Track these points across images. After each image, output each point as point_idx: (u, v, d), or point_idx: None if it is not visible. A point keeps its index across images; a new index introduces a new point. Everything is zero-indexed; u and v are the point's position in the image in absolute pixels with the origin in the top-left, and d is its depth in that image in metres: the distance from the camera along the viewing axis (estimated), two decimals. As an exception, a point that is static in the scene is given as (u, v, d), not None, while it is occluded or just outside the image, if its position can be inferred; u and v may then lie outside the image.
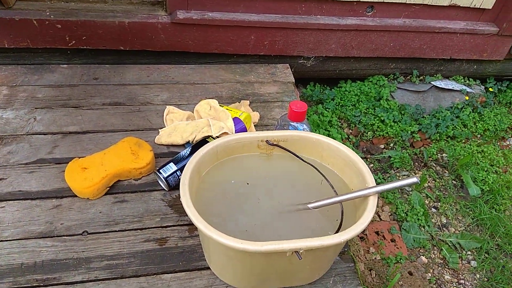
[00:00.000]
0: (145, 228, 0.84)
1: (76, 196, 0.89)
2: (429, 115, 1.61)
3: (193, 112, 1.10)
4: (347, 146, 0.73)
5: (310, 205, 0.68)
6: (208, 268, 0.77)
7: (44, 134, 1.03)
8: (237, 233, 0.66)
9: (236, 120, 1.00)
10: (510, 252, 1.21)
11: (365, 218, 0.61)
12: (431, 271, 1.09)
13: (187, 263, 0.79)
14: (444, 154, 1.52)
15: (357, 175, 0.71)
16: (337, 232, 0.64)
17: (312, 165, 0.76)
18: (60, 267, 0.76)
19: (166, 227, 0.85)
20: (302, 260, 0.58)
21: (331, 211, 0.70)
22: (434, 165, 1.47)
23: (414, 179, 0.59)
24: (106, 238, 0.82)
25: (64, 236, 0.81)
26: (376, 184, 0.65)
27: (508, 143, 1.65)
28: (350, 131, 1.53)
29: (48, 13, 1.19)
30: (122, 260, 0.78)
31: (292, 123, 0.86)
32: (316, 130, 1.43)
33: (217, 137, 0.95)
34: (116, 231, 0.83)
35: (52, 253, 0.78)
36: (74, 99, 1.16)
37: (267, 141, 0.76)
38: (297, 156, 0.77)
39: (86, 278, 0.75)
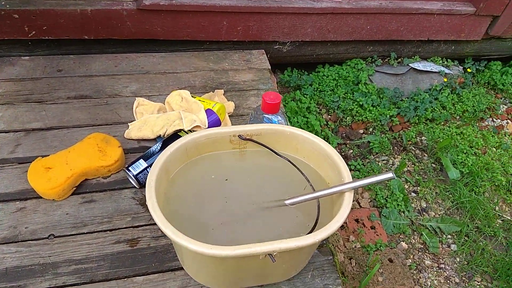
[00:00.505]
0: (115, 229, 0.82)
1: (41, 197, 0.85)
2: (407, 98, 1.61)
3: (164, 104, 1.06)
4: (326, 133, 0.72)
5: (286, 202, 0.66)
6: (182, 268, 0.75)
7: (6, 132, 0.98)
8: (211, 234, 0.64)
9: (209, 112, 0.97)
10: (489, 234, 1.23)
11: (341, 216, 0.60)
12: (412, 256, 1.10)
13: (160, 264, 0.77)
14: (423, 138, 1.52)
15: (333, 169, 0.69)
16: (313, 229, 0.63)
17: (287, 160, 0.74)
18: (26, 274, 0.73)
19: (137, 227, 0.82)
20: (277, 260, 0.57)
21: (308, 205, 0.69)
22: (413, 148, 1.48)
23: (389, 174, 0.58)
24: (74, 241, 0.79)
25: (29, 240, 0.78)
26: (353, 178, 0.64)
27: (486, 123, 1.67)
28: (329, 116, 1.52)
29: (3, 3, 1.11)
30: (91, 264, 0.75)
31: (266, 115, 0.84)
32: (294, 117, 1.42)
33: (190, 130, 0.92)
34: (84, 233, 0.80)
35: (17, 259, 0.75)
36: (36, 93, 1.10)
37: (239, 136, 0.74)
38: (272, 151, 0.75)
39: (53, 285, 0.72)
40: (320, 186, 0.71)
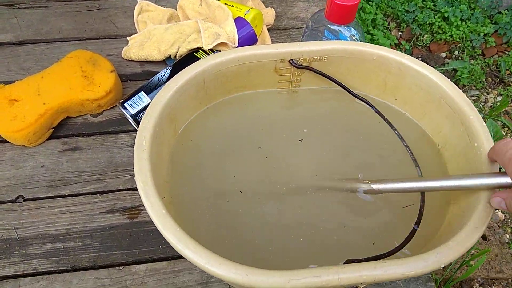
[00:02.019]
0: (109, 191, 0.60)
1: (6, 142, 0.64)
2: (508, 10, 1.22)
3: (177, 10, 0.78)
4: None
5: (374, 186, 0.39)
6: (201, 256, 0.54)
7: (-38, 47, 0.75)
8: (232, 212, 0.41)
9: (240, 21, 0.68)
10: None
11: (478, 220, 0.34)
12: (510, 230, 0.86)
13: (170, 246, 0.54)
14: (525, 65, 1.18)
15: (454, 125, 0.42)
16: (410, 236, 0.38)
17: (369, 104, 0.47)
18: (-18, 252, 0.54)
19: (139, 189, 0.60)
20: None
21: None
22: (513, 80, 1.14)
23: None
24: (51, 207, 0.58)
25: (-12, 204, 0.58)
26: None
27: None
28: (400, 33, 1.18)
29: None
30: (74, 243, 0.55)
31: (332, 26, 0.55)
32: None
33: (212, 50, 0.65)
34: (65, 196, 0.59)
35: (-28, 230, 0.56)
36: (7, -8, 0.84)
37: (291, 61, 0.46)
38: (345, 88, 0.47)
39: (20, 271, 0.53)
40: (424, 152, 0.45)
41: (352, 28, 0.56)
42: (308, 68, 0.48)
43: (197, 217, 0.40)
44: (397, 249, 0.35)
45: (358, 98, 0.48)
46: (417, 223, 0.39)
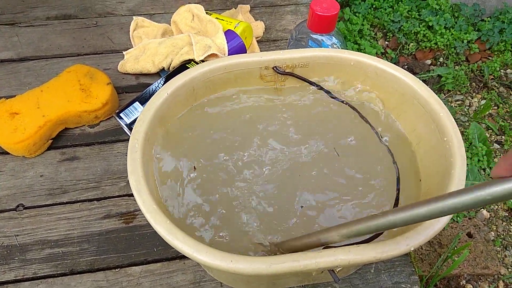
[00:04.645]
0: (105, 198, 0.62)
1: (7, 153, 0.66)
2: (490, 17, 1.27)
3: (170, 25, 0.81)
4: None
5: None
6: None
7: (-34, 64, 0.78)
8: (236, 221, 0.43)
9: (230, 34, 0.72)
10: None
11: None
12: (495, 228, 0.88)
13: (164, 249, 0.58)
14: (508, 70, 1.21)
15: (426, 122, 0.45)
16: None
17: (349, 105, 0.50)
18: (-16, 258, 0.56)
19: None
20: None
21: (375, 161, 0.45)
22: (497, 85, 1.18)
23: None
24: (50, 214, 0.60)
25: (-10, 213, 0.60)
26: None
27: None
28: (387, 43, 1.22)
29: None
30: (72, 247, 0.57)
31: (314, 36, 0.58)
32: (341, 44, 1.13)
33: (203, 61, 0.68)
34: (63, 203, 0.62)
35: (-26, 238, 0.58)
36: (8, 12, 0.88)
37: (275, 68, 0.49)
38: (325, 91, 0.50)
39: (20, 276, 0.55)
40: (400, 146, 0.47)
41: (333, 37, 0.59)
42: (291, 74, 0.51)
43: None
44: (371, 238, 0.37)
45: (338, 100, 0.51)
46: (397, 197, 0.41)
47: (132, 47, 0.81)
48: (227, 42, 0.71)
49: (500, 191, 0.23)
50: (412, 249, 0.33)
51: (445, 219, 0.35)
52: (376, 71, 0.48)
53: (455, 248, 0.75)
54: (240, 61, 0.48)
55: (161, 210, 0.36)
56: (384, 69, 0.47)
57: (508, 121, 1.11)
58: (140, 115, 0.42)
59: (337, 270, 0.34)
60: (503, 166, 0.23)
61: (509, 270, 0.84)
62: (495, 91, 1.15)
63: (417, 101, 0.45)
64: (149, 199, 0.36)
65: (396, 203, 0.42)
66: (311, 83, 0.51)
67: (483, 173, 0.98)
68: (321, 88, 0.51)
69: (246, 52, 0.74)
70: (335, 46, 0.59)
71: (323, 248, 0.34)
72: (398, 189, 0.44)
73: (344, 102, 0.51)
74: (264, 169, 0.47)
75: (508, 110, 1.12)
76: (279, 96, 0.52)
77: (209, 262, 0.32)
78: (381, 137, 0.49)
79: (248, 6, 0.89)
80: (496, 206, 0.94)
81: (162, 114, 0.44)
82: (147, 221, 0.59)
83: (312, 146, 0.48)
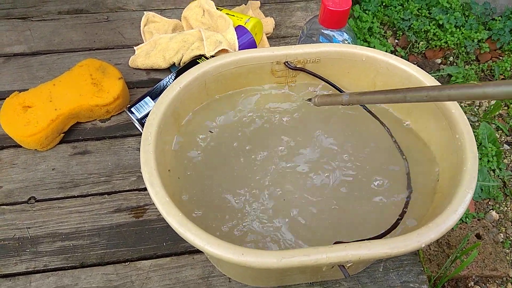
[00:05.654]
0: (116, 192, 0.63)
1: (20, 146, 0.67)
2: (501, 16, 1.25)
3: (181, 21, 0.82)
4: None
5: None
6: (203, 251, 0.56)
7: (-20, 58, 0.79)
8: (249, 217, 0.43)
9: (240, 30, 0.72)
10: None
11: (460, 199, 0.36)
12: (504, 230, 0.87)
13: (173, 244, 0.58)
14: (520, 70, 1.20)
15: (438, 119, 0.44)
16: (401, 215, 0.40)
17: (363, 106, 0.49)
18: (-4, 251, 0.57)
19: (145, 189, 0.63)
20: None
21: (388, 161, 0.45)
22: (508, 84, 1.17)
23: None
24: (61, 207, 0.61)
25: (2, 205, 0.61)
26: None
27: None
28: (397, 41, 1.21)
29: None
30: (82, 240, 0.58)
31: (325, 31, 0.58)
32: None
33: (212, 57, 0.68)
34: (74, 196, 0.62)
35: (-15, 230, 0.58)
36: (20, 6, 0.89)
37: (286, 63, 0.49)
38: (336, 88, 0.50)
39: (31, 268, 0.56)
40: (412, 146, 0.47)
41: (345, 33, 0.58)
42: (302, 69, 0.50)
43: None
44: (380, 236, 0.37)
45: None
46: (401, 215, 0.41)
47: (143, 42, 0.81)
48: (238, 38, 0.70)
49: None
50: (423, 245, 0.33)
51: (456, 217, 0.35)
52: (387, 67, 0.48)
53: (464, 248, 0.75)
54: (252, 56, 0.48)
55: (174, 203, 0.36)
56: (395, 64, 0.47)
57: (519, 121, 1.10)
58: (153, 107, 0.42)
59: (347, 266, 0.34)
60: None
61: (519, 271, 0.83)
62: (506, 91, 1.14)
63: (429, 97, 0.45)
64: (162, 191, 0.36)
65: (406, 204, 0.42)
66: (322, 79, 0.51)
67: (493, 174, 0.97)
68: (333, 85, 0.51)
69: (256, 48, 0.74)
70: (346, 42, 0.58)
71: (333, 243, 0.34)
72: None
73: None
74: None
75: (519, 110, 1.11)
76: (290, 103, 0.52)
77: (221, 255, 0.32)
78: (392, 135, 0.48)
79: (258, 2, 0.89)
80: (506, 208, 0.93)
81: (175, 108, 0.44)
82: (157, 215, 0.60)
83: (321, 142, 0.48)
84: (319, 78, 0.51)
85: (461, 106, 1.06)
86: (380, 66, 0.48)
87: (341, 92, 0.51)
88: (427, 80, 0.45)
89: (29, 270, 0.55)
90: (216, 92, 0.49)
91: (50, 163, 0.65)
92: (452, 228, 0.83)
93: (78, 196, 0.62)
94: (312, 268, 0.35)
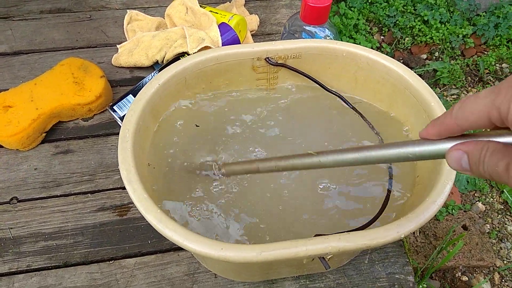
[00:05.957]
0: (99, 191, 0.62)
1: (1, 146, 0.66)
2: (486, 12, 1.27)
3: (164, 19, 0.81)
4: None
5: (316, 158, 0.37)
6: (188, 248, 0.56)
7: (-40, 58, 0.77)
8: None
9: (223, 27, 0.72)
10: None
11: (440, 190, 0.36)
12: (490, 221, 0.88)
13: (158, 241, 0.58)
14: (504, 65, 1.21)
15: (418, 113, 0.45)
16: (382, 208, 0.41)
17: (341, 97, 0.50)
18: (-22, 252, 0.56)
19: (128, 188, 0.62)
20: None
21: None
22: (492, 79, 1.18)
23: None
24: (44, 207, 0.60)
25: (-16, 206, 0.60)
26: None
27: None
28: (382, 37, 1.22)
29: None
30: (66, 240, 0.57)
31: (307, 28, 0.58)
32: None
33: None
34: (57, 196, 0.62)
35: (-33, 231, 0.57)
36: (1, 6, 0.88)
37: (267, 59, 0.49)
38: (317, 83, 0.50)
39: (14, 268, 0.55)
40: (394, 139, 0.47)
41: (326, 29, 0.59)
42: (283, 65, 0.50)
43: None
44: (361, 228, 0.37)
45: (330, 92, 0.51)
46: (383, 207, 0.41)
47: (126, 40, 0.80)
48: (221, 35, 0.70)
49: (421, 151, 0.25)
50: (403, 236, 0.33)
51: (435, 207, 0.35)
52: (368, 62, 0.48)
53: (450, 239, 0.76)
54: (232, 52, 0.48)
55: (153, 200, 0.36)
56: (376, 59, 0.47)
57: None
58: (132, 105, 0.42)
59: (328, 258, 0.34)
60: (431, 131, 0.25)
61: (505, 262, 0.84)
62: (491, 86, 1.16)
63: (408, 91, 0.45)
64: (140, 188, 0.36)
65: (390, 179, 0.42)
66: (304, 74, 0.51)
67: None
68: (314, 80, 0.51)
69: (240, 45, 0.74)
70: (328, 38, 0.59)
71: (314, 236, 0.34)
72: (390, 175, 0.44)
73: (338, 95, 0.51)
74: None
75: (503, 104, 1.12)
76: (272, 100, 0.52)
77: (200, 250, 0.32)
78: (374, 129, 0.49)
79: (243, -1, 0.89)
80: (492, 199, 0.94)
81: (154, 105, 0.44)
82: (141, 213, 0.59)
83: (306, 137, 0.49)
84: (301, 74, 0.51)
85: (446, 100, 1.07)
86: (360, 61, 0.49)
87: (322, 86, 0.51)
88: (407, 74, 0.46)
89: (12, 270, 0.55)
90: (196, 89, 0.49)
91: (32, 163, 0.65)
92: (439, 220, 0.84)
93: (61, 196, 0.62)
94: (293, 261, 0.35)
